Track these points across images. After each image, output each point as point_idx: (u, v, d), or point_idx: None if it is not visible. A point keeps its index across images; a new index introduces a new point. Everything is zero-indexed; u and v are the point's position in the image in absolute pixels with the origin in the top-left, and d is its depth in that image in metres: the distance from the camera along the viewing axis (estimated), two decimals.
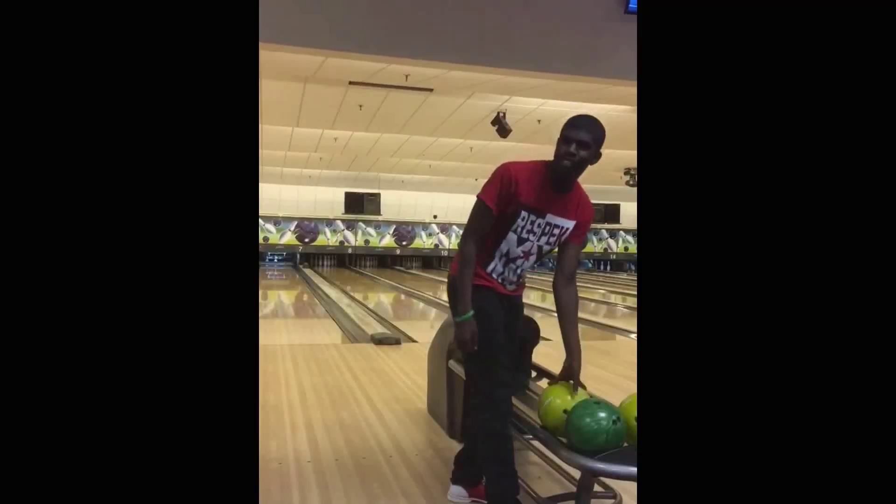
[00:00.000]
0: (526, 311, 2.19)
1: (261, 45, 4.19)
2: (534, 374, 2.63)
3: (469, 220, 1.94)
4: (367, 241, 17.30)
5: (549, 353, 2.59)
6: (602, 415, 1.70)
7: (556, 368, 2.68)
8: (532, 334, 2.63)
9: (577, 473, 1.83)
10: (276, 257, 16.94)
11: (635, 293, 11.58)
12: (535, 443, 2.19)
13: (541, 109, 7.55)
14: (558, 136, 1.85)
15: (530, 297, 11.11)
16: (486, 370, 1.96)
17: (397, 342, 5.13)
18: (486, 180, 1.93)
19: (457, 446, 2.69)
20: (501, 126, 7.57)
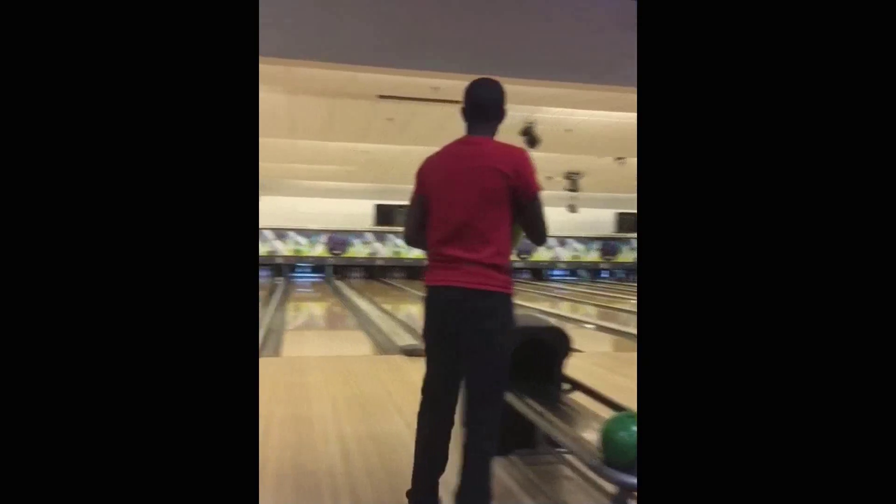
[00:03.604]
0: (556, 322, 2.17)
1: (289, 61, 4.27)
2: (567, 386, 2.60)
3: (543, 213, 1.90)
4: (396, 253, 17.40)
5: (581, 366, 2.57)
6: (636, 428, 1.67)
7: (587, 380, 2.64)
8: (562, 345, 2.61)
9: (611, 488, 1.80)
10: (307, 268, 17.13)
11: None
12: (569, 456, 2.17)
13: (570, 119, 7.52)
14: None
15: (560, 308, 11.02)
16: (504, 389, 1.98)
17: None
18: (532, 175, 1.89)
19: None
20: (531, 136, 7.55)
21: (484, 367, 1.90)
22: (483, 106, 1.94)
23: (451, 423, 2.01)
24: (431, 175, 1.95)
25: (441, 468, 2.03)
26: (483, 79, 1.99)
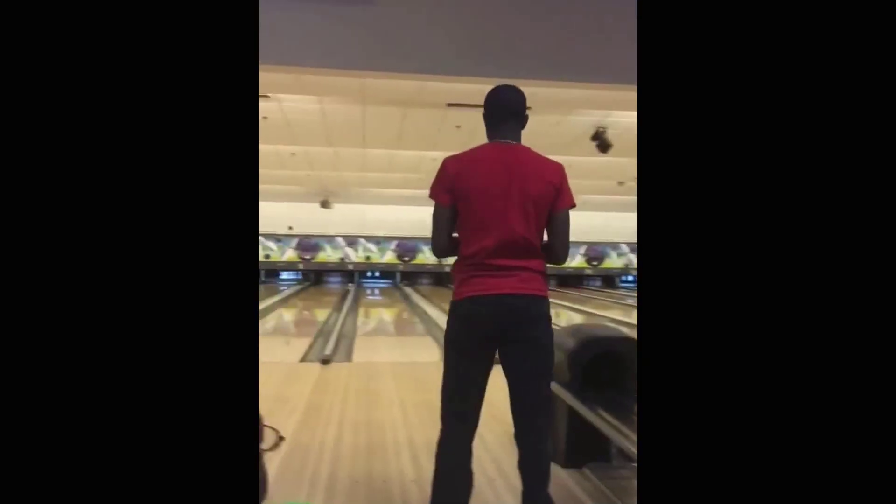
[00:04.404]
0: (629, 331, 2.11)
1: (360, 73, 4.36)
2: None
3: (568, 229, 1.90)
4: None
5: None
6: None
7: None
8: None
9: None
10: (377, 275, 17.42)
11: None
12: None
13: None
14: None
15: (633, 317, 10.73)
16: None
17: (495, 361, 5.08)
18: (577, 196, 1.92)
19: (559, 470, 2.62)
20: (602, 141, 7.41)
21: (543, 374, 1.87)
22: (514, 109, 1.91)
23: None
24: (472, 180, 1.83)
25: (471, 492, 1.91)
26: (506, 84, 1.96)
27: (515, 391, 1.87)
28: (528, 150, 1.89)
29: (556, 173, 1.87)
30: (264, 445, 0.82)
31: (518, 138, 1.91)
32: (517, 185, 1.80)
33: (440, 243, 1.94)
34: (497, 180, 1.81)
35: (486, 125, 1.93)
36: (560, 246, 1.88)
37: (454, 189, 1.84)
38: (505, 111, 1.90)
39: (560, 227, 1.86)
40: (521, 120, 1.93)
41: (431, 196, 1.90)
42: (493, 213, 1.80)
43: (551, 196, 1.83)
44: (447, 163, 1.88)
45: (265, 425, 0.81)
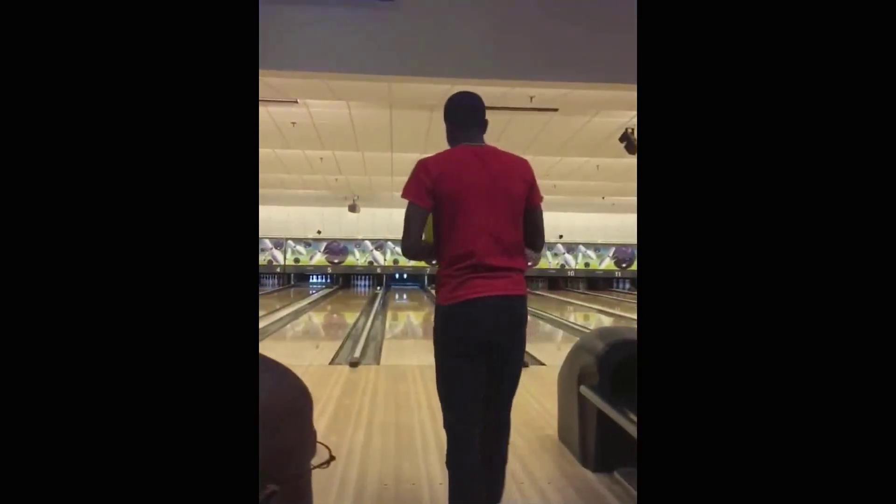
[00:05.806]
0: None
1: (393, 78, 4.39)
2: None
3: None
4: None
5: None
6: None
7: None
8: None
9: None
10: (404, 277, 17.48)
11: None
12: None
13: None
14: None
15: None
16: None
17: (524, 365, 5.07)
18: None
19: (590, 475, 2.60)
20: (630, 142, 7.34)
21: (518, 371, 1.95)
22: (481, 114, 1.94)
23: None
24: (458, 182, 1.81)
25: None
26: (465, 91, 1.99)
27: (500, 388, 1.92)
28: (500, 150, 1.92)
29: (529, 170, 1.92)
30: (314, 461, 0.81)
31: (484, 141, 1.94)
32: (500, 185, 1.83)
33: (416, 245, 1.89)
34: (482, 181, 1.82)
35: (454, 129, 1.93)
36: (538, 241, 1.95)
37: (436, 191, 1.82)
38: (473, 115, 1.93)
39: (537, 221, 1.92)
40: (484, 122, 1.96)
41: (408, 196, 1.86)
42: (483, 214, 1.81)
43: (527, 193, 1.88)
44: (428, 164, 1.86)
45: (319, 442, 0.80)
